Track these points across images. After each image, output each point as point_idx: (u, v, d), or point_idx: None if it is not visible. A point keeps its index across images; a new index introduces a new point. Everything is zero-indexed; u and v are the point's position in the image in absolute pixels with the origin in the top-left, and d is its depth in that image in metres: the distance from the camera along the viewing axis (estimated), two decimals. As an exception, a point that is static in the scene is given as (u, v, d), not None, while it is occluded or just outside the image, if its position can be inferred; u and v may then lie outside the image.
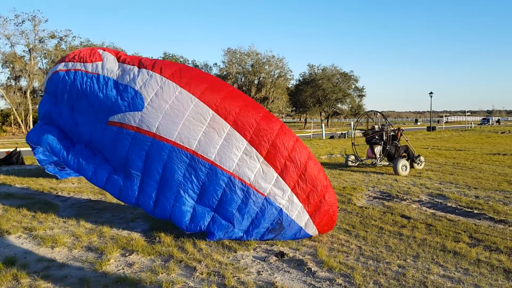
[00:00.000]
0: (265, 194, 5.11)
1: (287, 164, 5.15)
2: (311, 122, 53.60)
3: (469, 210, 6.79)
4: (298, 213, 5.19)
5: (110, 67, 5.66)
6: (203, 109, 5.16)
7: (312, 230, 5.30)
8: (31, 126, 36.97)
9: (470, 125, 53.75)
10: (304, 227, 5.25)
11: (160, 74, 5.36)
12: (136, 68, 5.53)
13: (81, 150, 5.75)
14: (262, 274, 4.14)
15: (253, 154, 5.12)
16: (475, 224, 5.94)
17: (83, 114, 5.76)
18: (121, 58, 5.85)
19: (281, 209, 5.14)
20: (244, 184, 5.09)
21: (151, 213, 5.36)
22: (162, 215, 5.29)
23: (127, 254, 4.71)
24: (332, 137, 30.92)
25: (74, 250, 4.84)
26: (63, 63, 5.87)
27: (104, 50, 6.03)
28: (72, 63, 5.96)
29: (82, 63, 5.82)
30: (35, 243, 5.11)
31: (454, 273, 4.14)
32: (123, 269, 4.28)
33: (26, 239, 5.29)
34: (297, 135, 6.07)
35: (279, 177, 5.14)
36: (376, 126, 12.33)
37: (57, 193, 8.39)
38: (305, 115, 70.61)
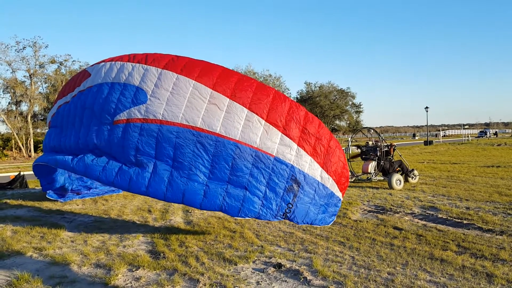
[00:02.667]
0: (274, 154, 5.46)
1: (287, 122, 5.58)
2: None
3: (459, 220, 7.10)
4: (309, 166, 5.54)
5: (100, 75, 6.09)
6: (201, 89, 5.63)
7: (330, 182, 5.61)
8: (32, 150, 37.35)
9: (467, 138, 54.16)
10: (321, 181, 5.57)
11: (155, 66, 5.81)
12: (129, 64, 5.92)
13: (86, 155, 6.08)
14: (261, 284, 4.44)
15: (255, 119, 5.54)
16: (464, 234, 6.24)
17: (85, 127, 6.19)
18: (107, 59, 6.31)
19: (292, 165, 5.48)
20: (252, 148, 5.44)
21: (162, 197, 5.55)
22: (175, 197, 5.50)
23: (134, 269, 4.99)
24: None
25: (83, 267, 5.13)
26: (63, 97, 6.36)
27: (91, 66, 6.54)
28: (71, 93, 6.46)
29: (77, 87, 6.33)
30: (46, 262, 5.39)
31: (440, 279, 4.45)
32: (131, 283, 4.57)
33: (37, 258, 5.57)
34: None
35: (283, 135, 5.54)
36: (370, 142, 12.70)
37: (62, 214, 8.67)
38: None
